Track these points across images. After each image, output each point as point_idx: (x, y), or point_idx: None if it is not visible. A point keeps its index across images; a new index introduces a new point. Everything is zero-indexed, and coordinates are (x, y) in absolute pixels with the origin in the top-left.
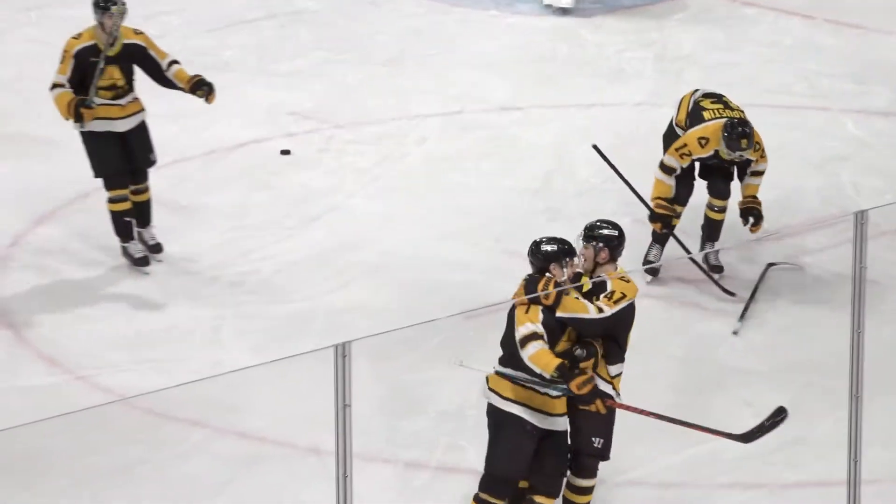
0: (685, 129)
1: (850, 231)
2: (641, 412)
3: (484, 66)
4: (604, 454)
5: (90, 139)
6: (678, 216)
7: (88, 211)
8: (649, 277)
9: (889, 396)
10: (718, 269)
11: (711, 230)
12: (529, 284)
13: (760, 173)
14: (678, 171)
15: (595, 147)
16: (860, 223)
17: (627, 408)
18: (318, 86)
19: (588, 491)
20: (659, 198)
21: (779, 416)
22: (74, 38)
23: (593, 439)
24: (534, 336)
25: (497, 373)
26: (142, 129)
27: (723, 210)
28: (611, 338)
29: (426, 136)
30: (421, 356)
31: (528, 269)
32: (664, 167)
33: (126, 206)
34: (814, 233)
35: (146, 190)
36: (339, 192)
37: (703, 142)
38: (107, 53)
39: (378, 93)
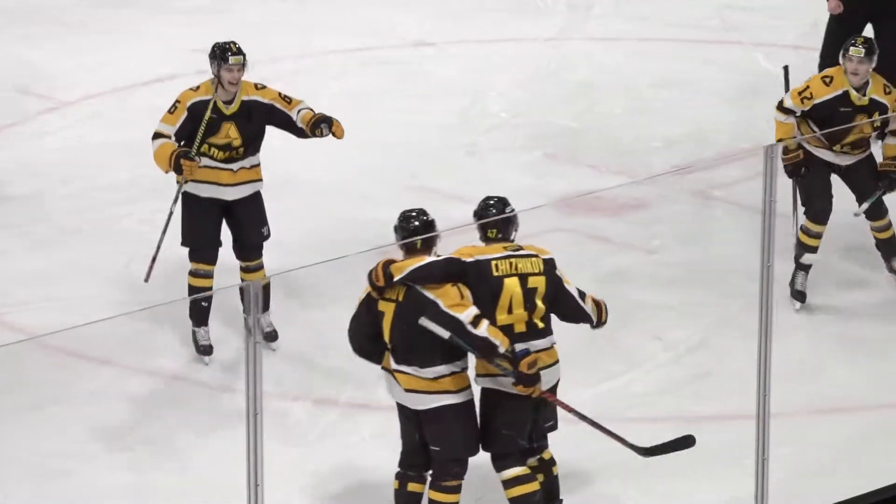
0: None
1: (761, 165)
2: (566, 407)
3: (391, 1)
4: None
5: (189, 202)
6: (818, 237)
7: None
8: (797, 304)
9: (798, 332)
10: None
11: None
12: (369, 274)
13: None
14: (797, 114)
15: (785, 68)
16: (770, 157)
17: (557, 401)
18: (220, 22)
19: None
20: (782, 139)
21: (686, 443)
22: (192, 89)
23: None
24: (481, 315)
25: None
26: (255, 200)
27: (885, 229)
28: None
29: (335, 73)
30: (333, 294)
31: (449, 206)
32: (782, 108)
33: (208, 283)
34: (725, 166)
35: (260, 268)
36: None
37: (826, 80)
38: (224, 112)
39: (282, 29)
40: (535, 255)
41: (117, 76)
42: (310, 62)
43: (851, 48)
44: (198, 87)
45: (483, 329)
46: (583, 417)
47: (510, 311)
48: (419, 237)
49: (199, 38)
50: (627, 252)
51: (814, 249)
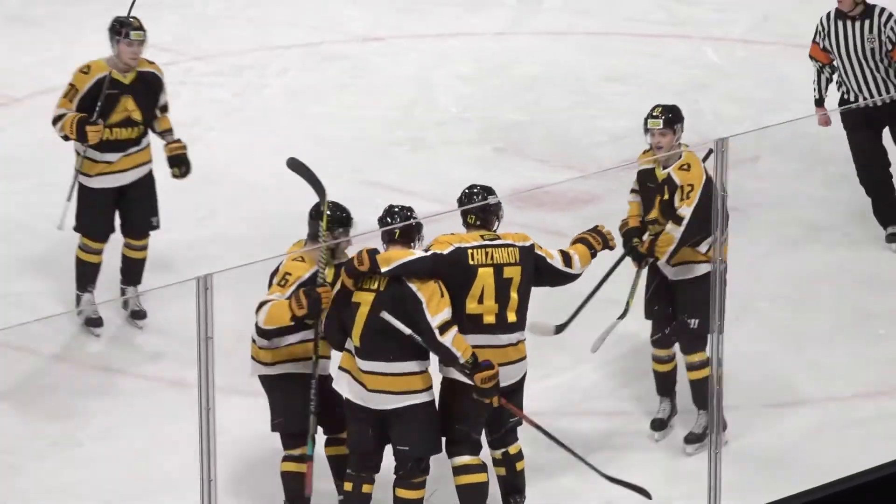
0: None
1: (711, 159)
2: (523, 417)
3: None
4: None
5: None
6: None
7: None
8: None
9: (750, 324)
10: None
11: None
12: (348, 264)
13: None
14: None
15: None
16: (720, 150)
17: (515, 410)
18: (175, 16)
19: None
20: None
21: (644, 494)
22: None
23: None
24: (451, 322)
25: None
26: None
27: (699, 367)
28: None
29: (286, 67)
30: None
31: (390, 198)
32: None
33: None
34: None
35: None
36: (197, 124)
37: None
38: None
39: (236, 24)
40: (512, 245)
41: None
42: (260, 56)
43: (649, 120)
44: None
45: (448, 338)
46: (540, 429)
47: (480, 300)
48: (397, 226)
49: (157, 33)
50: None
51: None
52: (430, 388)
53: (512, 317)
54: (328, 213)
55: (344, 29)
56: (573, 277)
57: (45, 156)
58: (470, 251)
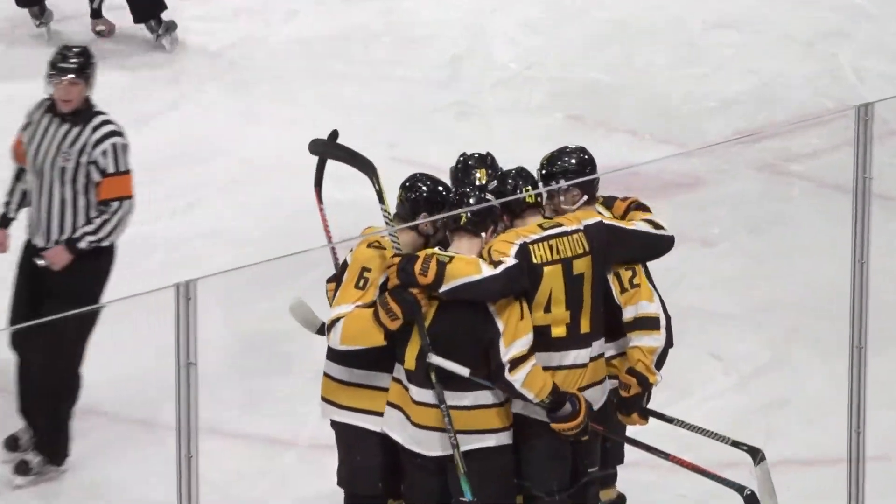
0: None
1: (851, 130)
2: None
3: None
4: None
5: None
6: None
7: None
8: None
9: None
10: None
11: None
12: (407, 268)
13: None
14: None
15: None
16: (863, 120)
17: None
18: None
19: None
20: None
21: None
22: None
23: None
24: (528, 355)
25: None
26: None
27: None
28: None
29: (296, 9)
30: (289, 299)
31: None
32: None
33: None
34: (803, 133)
35: None
36: (182, 82)
37: None
38: None
39: None
40: (579, 230)
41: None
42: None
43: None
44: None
45: (519, 376)
46: (646, 448)
47: (548, 309)
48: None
49: None
50: (677, 243)
51: None
52: (508, 427)
53: (586, 325)
54: (407, 193)
55: None
56: (667, 241)
57: None
58: (532, 247)
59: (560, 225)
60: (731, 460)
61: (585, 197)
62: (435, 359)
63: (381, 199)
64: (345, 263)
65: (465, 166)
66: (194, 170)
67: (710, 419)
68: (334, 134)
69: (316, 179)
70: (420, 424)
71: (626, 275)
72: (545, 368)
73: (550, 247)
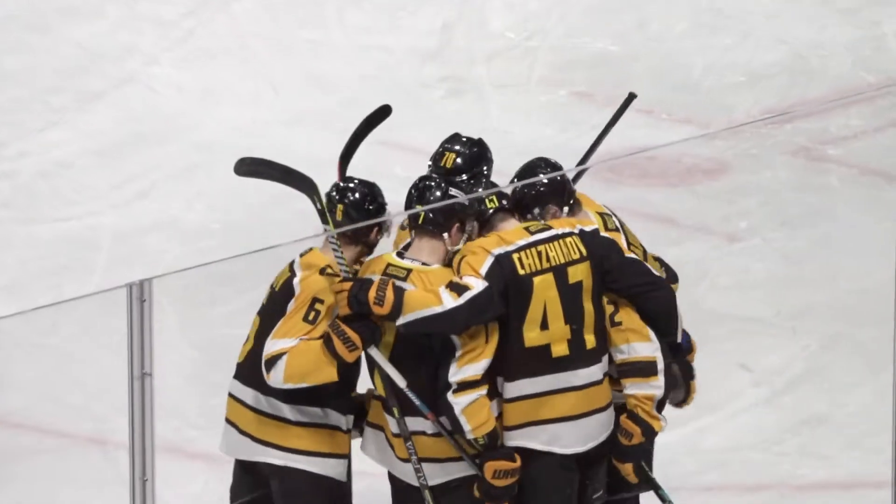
0: None
1: None
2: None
3: None
4: None
5: None
6: None
7: None
8: None
9: None
10: None
11: None
12: (360, 296)
13: None
14: None
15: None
16: None
17: None
18: None
19: None
20: None
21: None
22: None
23: None
24: (479, 383)
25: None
26: None
27: None
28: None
29: None
30: (255, 301)
31: (416, 166)
32: None
33: None
34: (843, 110)
35: None
36: (133, 53)
37: None
38: None
39: None
40: (571, 232)
41: None
42: None
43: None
44: None
45: (462, 401)
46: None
47: (545, 326)
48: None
49: None
50: (699, 238)
51: None
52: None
53: (591, 340)
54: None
55: None
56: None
57: None
58: (516, 256)
59: (549, 228)
60: (759, 483)
61: (565, 209)
62: (374, 353)
63: (325, 220)
64: (288, 288)
65: (438, 149)
66: (146, 154)
67: (738, 437)
68: (385, 109)
69: (344, 151)
70: (404, 459)
71: (607, 308)
72: (555, 392)
73: (539, 254)
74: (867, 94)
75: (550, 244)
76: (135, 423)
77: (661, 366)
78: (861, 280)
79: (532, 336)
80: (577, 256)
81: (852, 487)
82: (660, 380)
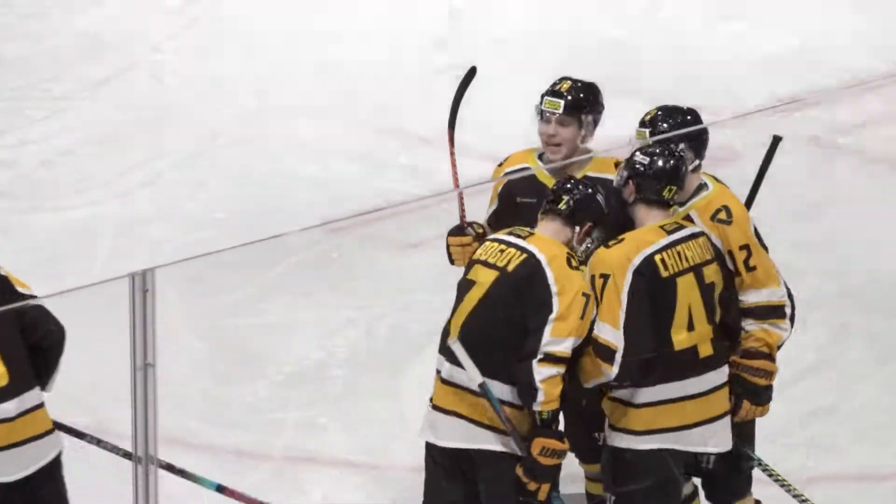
0: None
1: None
2: None
3: None
4: None
5: None
6: None
7: None
8: None
9: None
10: None
11: None
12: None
13: None
14: None
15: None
16: None
17: None
18: None
19: None
20: None
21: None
22: None
23: None
24: (568, 359)
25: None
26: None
27: None
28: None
29: None
30: (259, 291)
31: (421, 154)
32: None
33: None
34: (855, 100)
35: None
36: (137, 42)
37: None
38: None
39: None
40: (702, 233)
41: None
42: None
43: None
44: None
45: (544, 372)
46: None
47: (691, 327)
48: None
49: None
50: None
51: None
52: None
53: (719, 342)
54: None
55: None
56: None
57: None
58: (658, 258)
59: (682, 227)
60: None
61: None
62: (455, 346)
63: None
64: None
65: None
66: (148, 143)
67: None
68: (472, 70)
69: (450, 121)
70: (440, 407)
71: (740, 255)
72: (686, 399)
73: (679, 254)
74: (878, 83)
75: (686, 244)
76: (137, 413)
77: (789, 311)
78: (871, 269)
79: (680, 339)
80: (709, 257)
81: (861, 479)
82: (787, 324)
